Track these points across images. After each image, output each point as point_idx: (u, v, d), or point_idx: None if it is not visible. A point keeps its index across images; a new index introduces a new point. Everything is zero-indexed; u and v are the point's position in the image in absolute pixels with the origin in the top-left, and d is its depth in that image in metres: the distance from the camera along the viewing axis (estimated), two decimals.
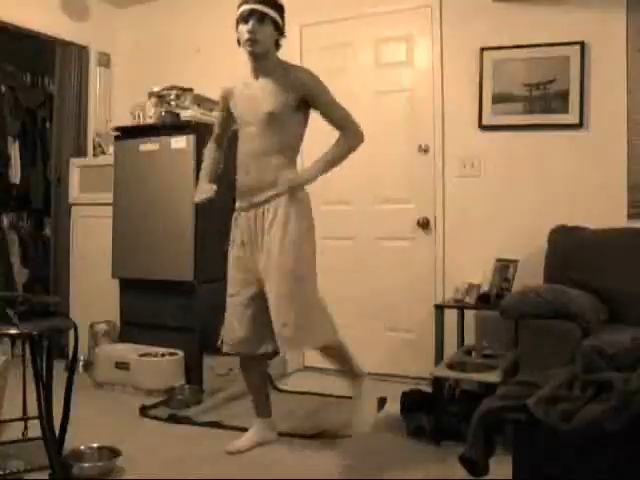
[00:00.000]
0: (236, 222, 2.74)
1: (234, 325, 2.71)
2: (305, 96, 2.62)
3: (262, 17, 2.55)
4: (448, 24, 3.88)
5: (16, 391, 2.58)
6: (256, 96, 2.64)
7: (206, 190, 2.76)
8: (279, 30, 2.64)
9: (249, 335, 2.69)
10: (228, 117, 2.83)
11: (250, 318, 2.68)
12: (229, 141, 2.95)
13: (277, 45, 2.67)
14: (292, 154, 2.69)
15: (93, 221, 4.34)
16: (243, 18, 2.57)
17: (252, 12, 2.54)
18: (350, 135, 2.65)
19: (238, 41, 2.65)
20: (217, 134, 2.96)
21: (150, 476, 2.48)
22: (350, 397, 2.89)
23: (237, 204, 2.74)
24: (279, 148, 2.63)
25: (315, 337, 2.61)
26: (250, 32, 2.54)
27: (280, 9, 2.64)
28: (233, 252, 2.73)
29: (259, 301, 2.65)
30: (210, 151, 2.96)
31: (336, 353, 2.76)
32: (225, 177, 3.72)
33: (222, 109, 2.86)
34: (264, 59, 2.64)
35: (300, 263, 2.58)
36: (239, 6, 2.60)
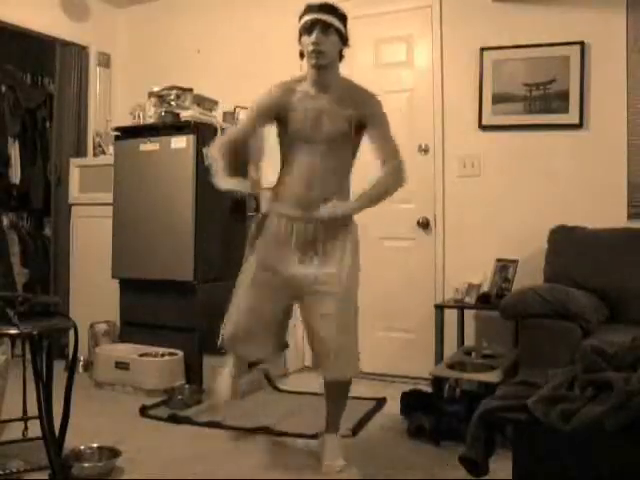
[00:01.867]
0: (275, 225, 2.57)
1: (243, 323, 2.60)
2: (363, 119, 2.53)
3: (326, 27, 2.44)
4: (448, 24, 3.88)
5: (16, 391, 2.58)
6: (324, 112, 2.51)
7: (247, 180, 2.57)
8: (343, 40, 2.53)
9: (264, 342, 2.65)
10: (257, 128, 2.63)
11: (272, 327, 2.63)
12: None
13: (340, 56, 2.57)
14: (349, 175, 2.63)
15: (93, 221, 4.34)
16: (306, 29, 2.46)
17: (316, 22, 2.44)
18: (398, 170, 2.56)
19: (301, 53, 2.54)
20: (232, 142, 2.64)
21: (150, 476, 2.48)
22: (351, 397, 2.88)
23: (282, 210, 2.56)
24: (342, 168, 2.58)
25: (354, 368, 2.57)
26: (315, 43, 2.43)
27: (344, 18, 2.53)
28: (263, 255, 2.60)
29: (286, 311, 2.64)
30: (220, 154, 2.60)
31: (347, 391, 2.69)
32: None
33: (258, 120, 2.62)
34: (328, 71, 2.52)
35: (354, 290, 2.56)
36: (301, 16, 2.50)
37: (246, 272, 2.63)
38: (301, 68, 2.62)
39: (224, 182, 2.53)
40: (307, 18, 2.47)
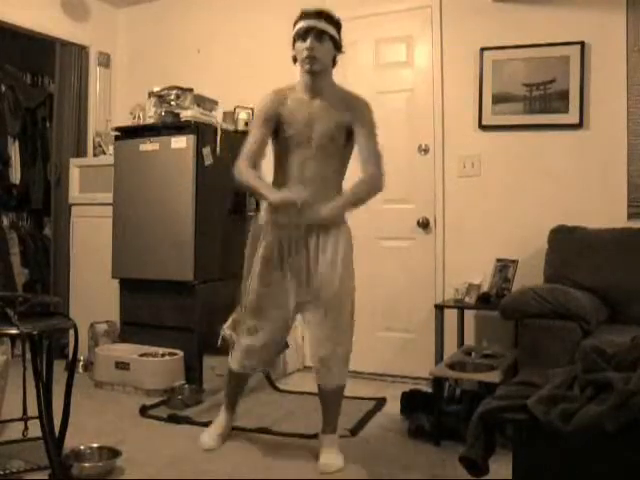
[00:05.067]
0: (272, 228, 2.59)
1: (261, 333, 2.64)
2: (351, 123, 2.55)
3: (320, 34, 2.48)
4: (448, 24, 3.88)
5: (16, 391, 2.58)
6: (316, 117, 2.54)
7: (295, 192, 2.51)
8: (337, 47, 2.56)
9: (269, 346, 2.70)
10: (269, 135, 2.61)
11: (273, 339, 2.68)
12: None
13: (334, 62, 2.60)
14: (341, 181, 2.65)
15: (93, 221, 4.34)
16: (300, 35, 2.49)
17: (311, 29, 2.47)
18: (373, 182, 2.56)
19: (294, 58, 2.57)
20: (254, 153, 2.58)
21: (150, 476, 2.48)
22: (351, 397, 2.88)
23: (279, 219, 2.55)
24: (334, 173, 2.60)
25: (343, 376, 2.64)
26: (309, 49, 2.46)
27: (338, 25, 2.56)
28: (266, 256, 2.60)
29: (291, 320, 2.67)
30: (250, 172, 2.56)
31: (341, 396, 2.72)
32: (228, 178, 3.75)
33: (265, 126, 2.59)
34: (322, 77, 2.55)
35: (348, 295, 2.62)
36: (296, 22, 2.53)
37: (250, 285, 2.64)
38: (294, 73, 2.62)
39: (275, 194, 2.48)
40: (302, 24, 2.50)
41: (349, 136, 2.60)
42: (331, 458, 2.60)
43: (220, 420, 2.87)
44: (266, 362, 2.89)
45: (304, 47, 2.48)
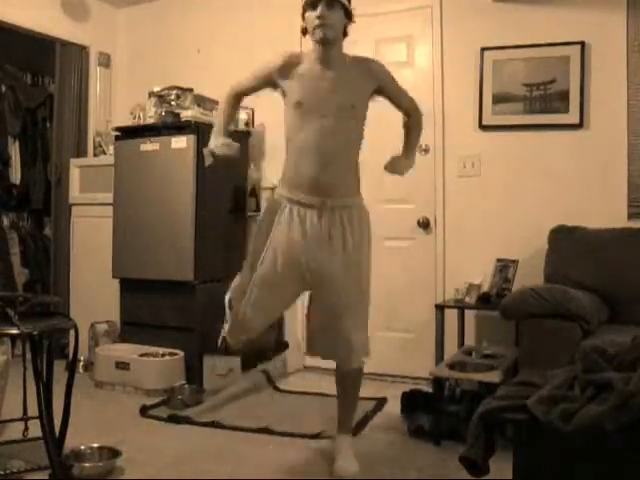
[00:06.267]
0: (288, 212, 2.49)
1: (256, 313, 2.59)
2: (380, 87, 2.57)
3: (332, 2, 2.41)
4: (448, 24, 3.88)
5: (16, 391, 2.58)
6: (331, 87, 2.47)
7: (227, 144, 2.62)
8: (348, 15, 2.53)
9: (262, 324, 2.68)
10: (260, 88, 2.64)
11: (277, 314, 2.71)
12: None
13: (345, 33, 2.56)
14: (359, 149, 2.61)
15: (93, 221, 4.34)
16: (311, 4, 2.44)
17: None
18: (419, 114, 2.69)
19: (303, 31, 2.52)
20: (243, 90, 2.68)
21: (150, 476, 2.48)
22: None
23: (295, 196, 2.49)
24: (356, 145, 2.56)
25: (362, 354, 2.57)
26: (321, 17, 2.39)
27: None
28: (277, 242, 2.51)
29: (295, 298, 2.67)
30: (229, 106, 2.71)
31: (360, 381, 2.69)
32: (228, 178, 3.75)
33: (262, 80, 2.62)
34: (333, 47, 2.48)
35: (366, 277, 2.57)
36: None
37: (255, 259, 2.56)
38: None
39: (218, 138, 2.64)
40: None
41: (371, 97, 2.61)
42: (347, 461, 2.56)
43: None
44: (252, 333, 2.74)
45: (315, 15, 2.41)
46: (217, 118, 2.78)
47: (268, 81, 2.59)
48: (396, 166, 2.68)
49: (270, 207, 2.62)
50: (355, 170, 2.58)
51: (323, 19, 2.41)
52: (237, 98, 2.72)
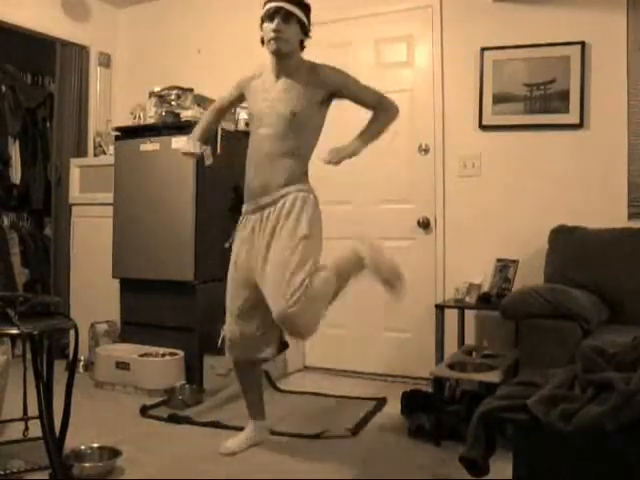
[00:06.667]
0: (242, 224, 2.64)
1: (238, 327, 2.65)
2: (335, 91, 2.58)
3: (288, 16, 2.48)
4: (448, 24, 3.88)
5: (16, 391, 2.58)
6: (276, 97, 2.56)
7: (197, 147, 2.81)
8: (304, 30, 2.57)
9: (252, 338, 2.66)
10: (235, 103, 2.90)
11: (253, 320, 2.64)
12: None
13: (301, 46, 2.60)
14: (306, 159, 2.62)
15: (93, 221, 4.34)
16: (268, 16, 2.49)
17: (278, 10, 2.47)
18: (386, 107, 2.64)
19: (262, 40, 2.57)
20: (222, 108, 2.90)
21: (150, 476, 2.48)
22: (352, 397, 2.87)
23: (244, 208, 2.65)
24: (295, 151, 2.56)
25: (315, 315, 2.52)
26: (275, 30, 2.47)
27: (306, 9, 2.56)
28: (235, 255, 2.65)
29: (263, 303, 2.60)
30: (209, 117, 2.91)
31: (340, 276, 2.66)
32: (228, 178, 3.75)
33: (234, 95, 2.80)
34: (288, 59, 2.56)
35: (314, 255, 2.52)
36: (265, 3, 2.53)
37: (229, 275, 2.69)
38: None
39: (189, 141, 2.83)
40: (270, 5, 2.51)
41: (325, 107, 2.62)
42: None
43: (245, 432, 2.84)
44: (260, 349, 2.73)
45: (271, 28, 2.49)
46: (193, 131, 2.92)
47: (239, 97, 2.79)
48: (334, 150, 2.54)
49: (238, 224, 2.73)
50: (296, 172, 2.57)
51: (278, 32, 2.48)
52: (216, 112, 2.91)
